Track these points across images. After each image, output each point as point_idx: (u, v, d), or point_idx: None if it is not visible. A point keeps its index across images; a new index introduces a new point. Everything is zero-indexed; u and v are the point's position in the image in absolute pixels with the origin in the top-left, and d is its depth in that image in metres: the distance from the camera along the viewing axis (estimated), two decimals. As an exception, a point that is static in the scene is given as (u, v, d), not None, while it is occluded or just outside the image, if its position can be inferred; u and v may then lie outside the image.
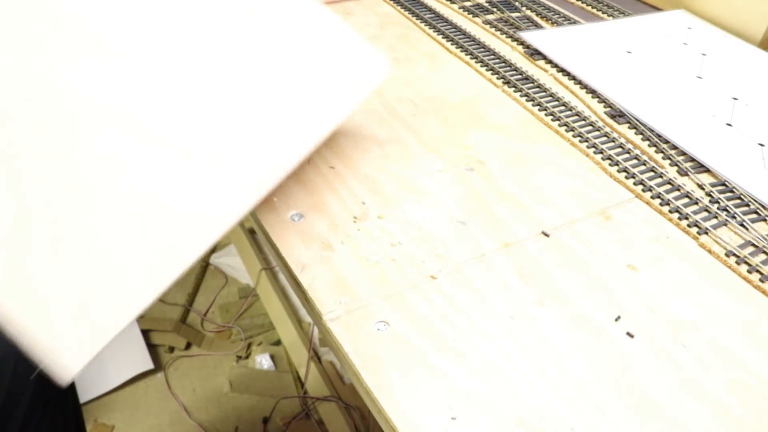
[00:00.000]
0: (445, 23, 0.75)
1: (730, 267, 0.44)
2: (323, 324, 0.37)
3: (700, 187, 0.52)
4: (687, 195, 0.50)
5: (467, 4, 0.82)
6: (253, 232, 1.45)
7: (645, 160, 0.54)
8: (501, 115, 0.59)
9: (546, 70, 0.68)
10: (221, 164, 0.37)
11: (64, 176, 0.33)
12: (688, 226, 0.47)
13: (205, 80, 0.39)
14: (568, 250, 0.44)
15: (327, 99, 0.44)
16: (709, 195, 0.51)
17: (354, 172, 0.49)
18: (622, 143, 0.56)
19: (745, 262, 0.44)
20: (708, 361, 0.37)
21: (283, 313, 1.25)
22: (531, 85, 0.64)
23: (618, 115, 0.60)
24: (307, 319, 1.26)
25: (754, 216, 0.49)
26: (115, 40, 0.37)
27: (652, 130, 0.58)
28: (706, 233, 0.47)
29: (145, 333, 1.22)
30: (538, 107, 0.60)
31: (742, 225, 0.48)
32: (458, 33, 0.73)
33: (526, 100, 0.61)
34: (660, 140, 0.57)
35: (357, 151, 0.52)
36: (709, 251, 0.46)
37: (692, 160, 0.55)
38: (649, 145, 0.56)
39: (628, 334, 0.38)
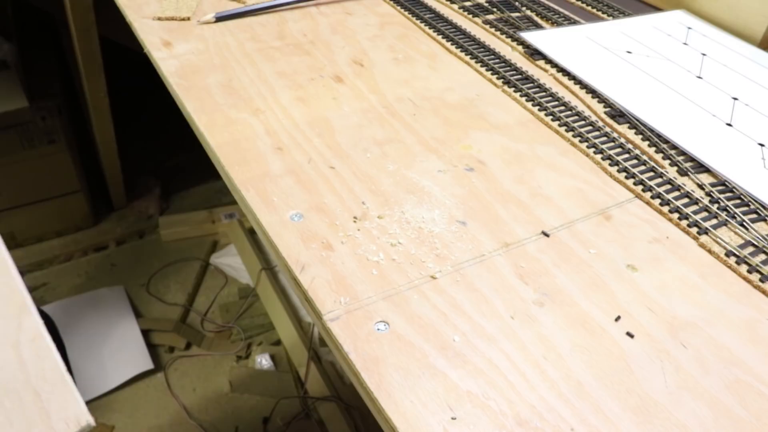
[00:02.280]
0: (445, 23, 0.75)
1: (730, 267, 0.44)
2: (323, 324, 0.37)
3: (700, 187, 0.52)
4: (687, 195, 0.50)
5: (467, 4, 0.82)
6: (253, 232, 1.45)
7: (645, 160, 0.54)
8: (501, 115, 0.59)
9: (546, 70, 0.68)
10: None
11: None
12: (688, 226, 0.47)
13: None
14: (568, 250, 0.44)
15: None
16: (709, 195, 0.51)
17: (354, 172, 0.49)
18: (622, 143, 0.56)
19: (745, 262, 0.44)
20: (708, 361, 0.37)
21: (283, 313, 1.26)
22: (531, 85, 0.64)
23: (618, 115, 0.60)
24: (307, 319, 1.26)
25: (754, 216, 0.49)
26: None
27: (652, 130, 0.58)
28: (706, 233, 0.47)
29: (145, 333, 1.23)
30: (538, 107, 0.60)
31: (742, 225, 0.48)
32: (458, 33, 0.73)
33: (526, 100, 0.61)
34: (660, 140, 0.57)
35: (357, 151, 0.52)
36: (709, 251, 0.46)
37: (692, 160, 0.55)
38: (649, 145, 0.56)
39: (628, 334, 0.38)
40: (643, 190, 0.50)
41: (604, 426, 0.33)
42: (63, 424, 0.25)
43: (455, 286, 0.40)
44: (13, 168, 1.28)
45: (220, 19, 0.70)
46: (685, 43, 0.75)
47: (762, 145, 0.58)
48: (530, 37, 0.72)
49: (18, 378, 0.26)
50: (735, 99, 0.65)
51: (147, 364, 1.17)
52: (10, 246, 1.37)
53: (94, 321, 1.23)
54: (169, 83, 0.59)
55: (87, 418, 0.27)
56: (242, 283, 1.38)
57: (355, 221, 0.44)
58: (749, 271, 0.44)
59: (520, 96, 0.62)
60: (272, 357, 1.22)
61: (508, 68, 0.66)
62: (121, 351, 1.19)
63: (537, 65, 0.69)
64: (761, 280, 0.43)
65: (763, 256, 0.45)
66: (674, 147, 0.56)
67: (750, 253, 0.45)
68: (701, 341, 0.38)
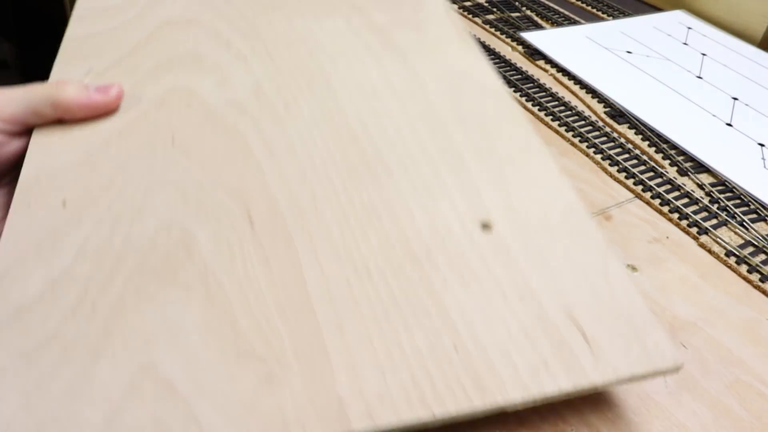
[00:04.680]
0: (445, 23, 0.75)
1: (730, 267, 0.44)
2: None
3: (700, 187, 0.52)
4: (687, 195, 0.50)
5: (467, 4, 0.82)
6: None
7: (645, 160, 0.54)
8: (501, 115, 0.59)
9: (546, 70, 0.68)
10: None
11: None
12: (688, 226, 0.47)
13: None
14: (568, 250, 0.44)
15: None
16: (709, 195, 0.51)
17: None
18: (622, 143, 0.56)
19: (745, 262, 0.44)
20: (708, 361, 0.37)
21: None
22: (531, 85, 0.64)
23: (618, 115, 0.60)
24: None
25: (754, 216, 0.49)
26: None
27: (652, 130, 0.58)
28: (706, 233, 0.47)
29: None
30: (538, 107, 0.60)
31: (742, 225, 0.48)
32: (458, 33, 0.73)
33: (526, 100, 0.61)
34: (660, 140, 0.57)
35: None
36: (709, 251, 0.46)
37: (692, 160, 0.55)
38: (649, 145, 0.56)
39: (628, 334, 0.38)
40: (643, 190, 0.50)
41: (604, 426, 0.33)
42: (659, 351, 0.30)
43: (455, 286, 0.40)
44: (13, 168, 1.28)
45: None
46: (685, 43, 0.75)
47: (762, 145, 0.58)
48: (530, 37, 0.73)
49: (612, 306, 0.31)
50: (735, 99, 0.65)
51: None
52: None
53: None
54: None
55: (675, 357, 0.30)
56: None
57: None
58: (749, 271, 0.44)
59: (520, 96, 0.62)
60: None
61: (508, 68, 0.66)
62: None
63: (537, 65, 0.69)
64: (761, 280, 0.43)
65: (763, 256, 0.45)
66: (674, 147, 0.56)
67: (750, 253, 0.45)
68: (701, 341, 0.38)
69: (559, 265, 0.33)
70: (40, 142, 0.37)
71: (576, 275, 0.32)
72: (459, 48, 0.49)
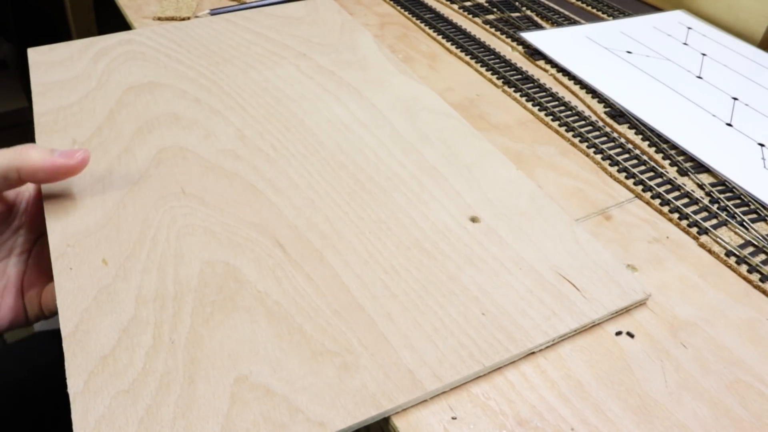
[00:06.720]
0: (445, 23, 0.75)
1: (730, 267, 0.44)
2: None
3: (700, 187, 0.52)
4: (687, 195, 0.50)
5: (467, 4, 0.82)
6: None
7: (645, 160, 0.54)
8: (501, 115, 0.59)
9: (546, 70, 0.68)
10: None
11: None
12: (688, 226, 0.47)
13: None
14: (568, 250, 0.44)
15: None
16: (709, 195, 0.51)
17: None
18: (622, 143, 0.56)
19: (745, 262, 0.44)
20: (708, 361, 0.37)
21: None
22: (531, 85, 0.64)
23: (618, 115, 0.60)
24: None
25: (754, 216, 0.49)
26: None
27: (652, 130, 0.58)
28: (706, 233, 0.47)
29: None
30: (538, 107, 0.60)
31: (742, 225, 0.48)
32: (458, 33, 0.73)
33: (526, 100, 0.61)
34: (660, 140, 0.57)
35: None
36: (709, 251, 0.46)
37: (692, 160, 0.55)
38: (649, 145, 0.56)
39: (628, 334, 0.38)
40: (643, 190, 0.50)
41: (604, 426, 0.33)
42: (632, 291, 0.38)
43: (455, 286, 0.40)
44: (13, 168, 1.28)
45: (214, 14, 0.69)
46: (685, 43, 0.75)
47: (762, 145, 0.58)
48: (530, 37, 0.73)
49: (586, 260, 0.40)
50: (735, 99, 0.65)
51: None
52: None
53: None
54: (169, 83, 0.59)
55: (645, 290, 0.39)
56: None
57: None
58: (749, 271, 0.44)
59: (520, 96, 0.62)
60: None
61: (508, 68, 0.66)
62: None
63: (537, 65, 0.69)
64: (761, 280, 0.43)
65: (763, 256, 0.45)
66: (674, 147, 0.56)
67: (750, 253, 0.45)
68: (701, 341, 0.38)
69: (538, 237, 0.41)
70: (54, 213, 0.40)
71: (554, 242, 0.41)
72: (401, 79, 0.57)
